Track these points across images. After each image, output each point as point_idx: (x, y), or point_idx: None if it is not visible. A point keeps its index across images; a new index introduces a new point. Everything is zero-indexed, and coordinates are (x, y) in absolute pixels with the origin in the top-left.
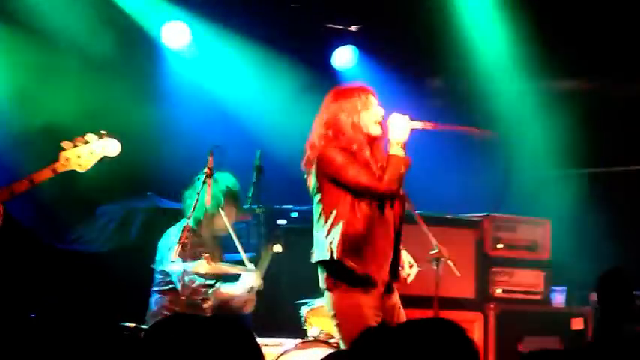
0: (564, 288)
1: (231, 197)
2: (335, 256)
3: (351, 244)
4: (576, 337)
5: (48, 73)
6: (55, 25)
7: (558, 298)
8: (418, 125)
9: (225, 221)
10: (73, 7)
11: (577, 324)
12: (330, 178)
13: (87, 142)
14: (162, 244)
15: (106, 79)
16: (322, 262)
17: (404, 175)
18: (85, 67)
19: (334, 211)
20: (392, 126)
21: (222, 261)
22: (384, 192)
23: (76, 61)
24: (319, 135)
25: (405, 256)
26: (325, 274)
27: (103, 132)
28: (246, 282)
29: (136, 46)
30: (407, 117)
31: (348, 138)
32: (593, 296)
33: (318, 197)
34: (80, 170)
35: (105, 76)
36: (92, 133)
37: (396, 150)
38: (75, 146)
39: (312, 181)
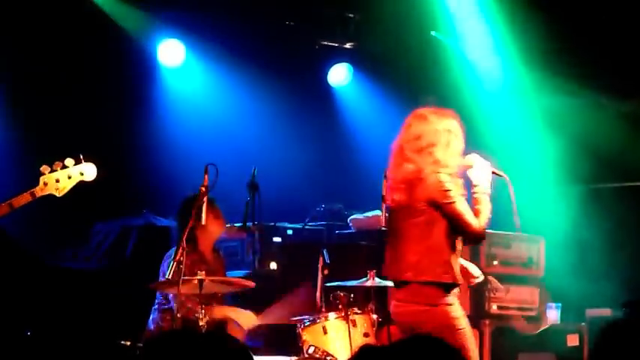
0: (559, 304)
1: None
2: (458, 281)
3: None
4: (572, 354)
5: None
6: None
7: (553, 315)
8: (497, 173)
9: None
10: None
11: (572, 340)
12: (436, 204)
13: (65, 167)
14: (163, 264)
15: (103, 97)
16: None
17: None
18: (81, 83)
19: (438, 234)
20: (479, 169)
21: (224, 276)
22: (480, 235)
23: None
24: (421, 157)
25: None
26: (437, 291)
27: (81, 156)
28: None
29: (133, 65)
30: (489, 163)
31: (452, 165)
32: (589, 312)
33: (419, 217)
34: (57, 194)
35: (102, 93)
36: (70, 157)
37: (485, 194)
38: (53, 170)
39: (406, 198)
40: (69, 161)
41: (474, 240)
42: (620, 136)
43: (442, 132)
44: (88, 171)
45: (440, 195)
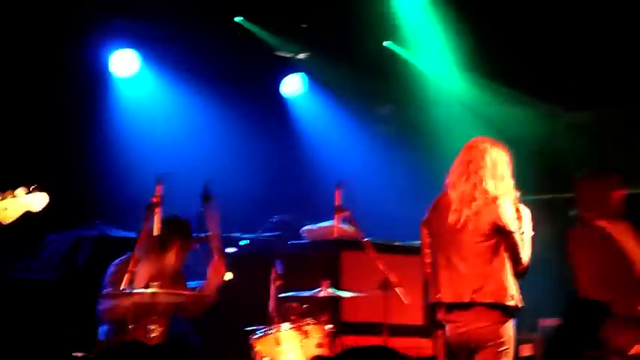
0: None
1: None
2: (519, 305)
3: None
4: None
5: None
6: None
7: None
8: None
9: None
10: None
11: (526, 350)
12: (502, 230)
13: (14, 196)
14: (107, 273)
15: (55, 107)
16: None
17: None
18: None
19: (501, 259)
20: (525, 215)
21: (182, 288)
22: (525, 271)
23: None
24: (496, 183)
25: None
26: (503, 312)
27: (33, 186)
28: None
29: (85, 75)
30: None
31: (515, 196)
32: (543, 322)
33: (485, 241)
34: (3, 222)
35: (54, 103)
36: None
37: (529, 238)
38: (3, 199)
39: (472, 220)
40: (19, 191)
41: (520, 273)
42: (572, 146)
43: (509, 164)
44: (38, 201)
45: (508, 223)
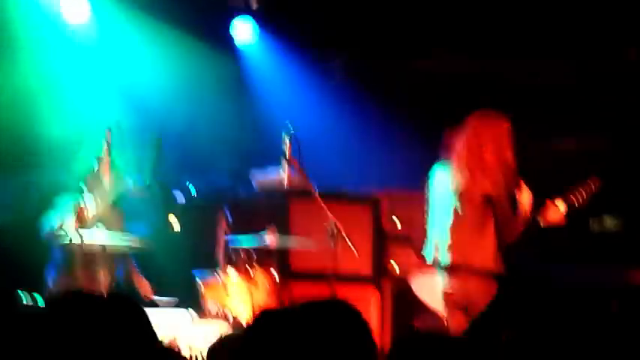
0: None
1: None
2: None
3: None
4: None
5: None
6: None
7: None
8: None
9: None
10: None
11: None
12: (493, 200)
13: None
14: (51, 215)
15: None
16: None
17: None
18: None
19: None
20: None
21: (121, 230)
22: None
23: None
24: (504, 154)
25: None
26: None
27: None
28: None
29: (35, 20)
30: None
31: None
32: None
33: (479, 208)
34: None
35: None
36: None
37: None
38: None
39: (472, 185)
40: None
41: (507, 241)
42: None
43: (509, 136)
44: None
45: (500, 193)
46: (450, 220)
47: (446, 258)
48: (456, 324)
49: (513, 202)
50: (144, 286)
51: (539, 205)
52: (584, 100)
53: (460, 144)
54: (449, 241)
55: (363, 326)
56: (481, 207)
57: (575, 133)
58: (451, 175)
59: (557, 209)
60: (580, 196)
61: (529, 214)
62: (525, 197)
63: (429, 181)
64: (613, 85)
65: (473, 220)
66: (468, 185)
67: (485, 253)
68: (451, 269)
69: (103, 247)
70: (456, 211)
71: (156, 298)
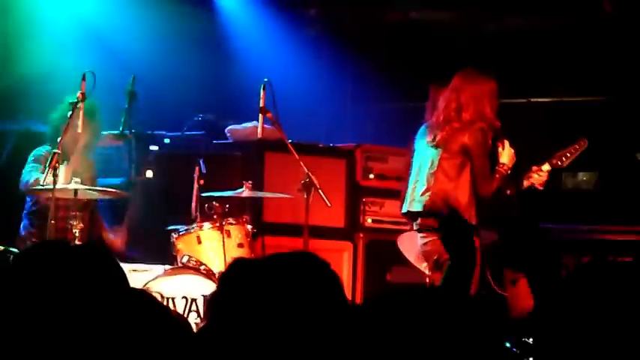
0: None
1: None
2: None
3: None
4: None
5: None
6: None
7: None
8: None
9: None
10: None
11: None
12: (470, 152)
13: None
14: (26, 165)
15: None
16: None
17: None
18: None
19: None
20: (508, 153)
21: (94, 185)
22: (485, 196)
23: None
24: (476, 108)
25: None
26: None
27: None
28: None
29: None
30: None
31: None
32: None
33: (454, 159)
34: None
35: None
36: None
37: (505, 174)
38: None
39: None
40: None
41: (481, 194)
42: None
43: (491, 94)
44: None
45: (477, 147)
46: (427, 170)
47: (420, 205)
48: (437, 280)
49: (493, 159)
50: (114, 240)
51: (524, 168)
52: (562, 54)
53: (442, 102)
54: (424, 189)
55: (332, 277)
56: (458, 157)
57: (554, 87)
58: (432, 130)
59: (542, 174)
60: (566, 159)
61: (508, 170)
62: (506, 155)
63: (416, 137)
64: (590, 38)
65: (449, 169)
66: (446, 138)
67: (458, 203)
68: (421, 215)
69: (77, 197)
70: (433, 162)
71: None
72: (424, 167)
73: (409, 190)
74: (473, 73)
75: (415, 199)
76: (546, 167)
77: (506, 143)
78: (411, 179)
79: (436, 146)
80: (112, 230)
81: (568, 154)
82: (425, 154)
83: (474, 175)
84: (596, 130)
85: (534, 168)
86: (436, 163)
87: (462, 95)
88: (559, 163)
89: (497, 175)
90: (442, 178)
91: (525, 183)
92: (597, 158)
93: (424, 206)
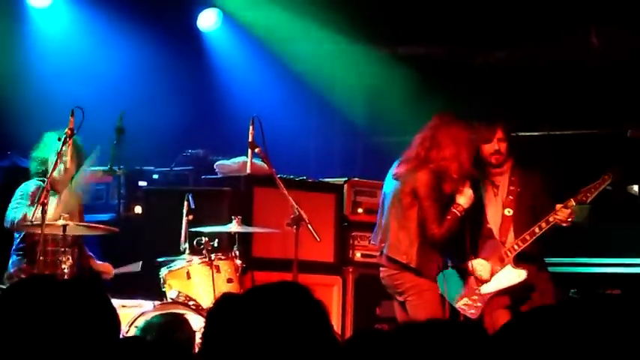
0: None
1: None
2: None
3: None
4: None
5: None
6: None
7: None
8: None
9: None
10: None
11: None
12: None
13: None
14: (14, 201)
15: None
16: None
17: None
18: None
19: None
20: (466, 196)
21: (82, 222)
22: (435, 241)
23: None
24: (428, 152)
25: None
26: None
27: None
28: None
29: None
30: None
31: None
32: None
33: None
34: None
35: None
36: None
37: (458, 216)
38: None
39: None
40: None
41: (430, 241)
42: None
43: (469, 141)
44: None
45: (424, 189)
46: (387, 209)
47: (382, 245)
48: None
49: (449, 202)
50: (103, 267)
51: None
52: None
53: (416, 139)
54: (382, 229)
55: (315, 303)
56: (408, 197)
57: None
58: (400, 163)
59: (567, 210)
60: (590, 194)
61: (462, 212)
62: (464, 197)
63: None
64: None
65: (399, 211)
66: (404, 174)
67: (402, 246)
68: (381, 256)
69: (65, 232)
70: (392, 196)
71: (118, 270)
72: (387, 201)
73: (377, 226)
74: (453, 118)
75: (380, 236)
76: (571, 203)
77: (467, 185)
78: (379, 213)
79: (396, 179)
80: (98, 259)
81: (593, 190)
82: (389, 187)
83: (421, 217)
84: (586, 163)
85: (558, 206)
86: (390, 198)
87: (440, 135)
88: (584, 198)
89: (449, 217)
90: (394, 218)
91: (551, 220)
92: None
93: (381, 245)
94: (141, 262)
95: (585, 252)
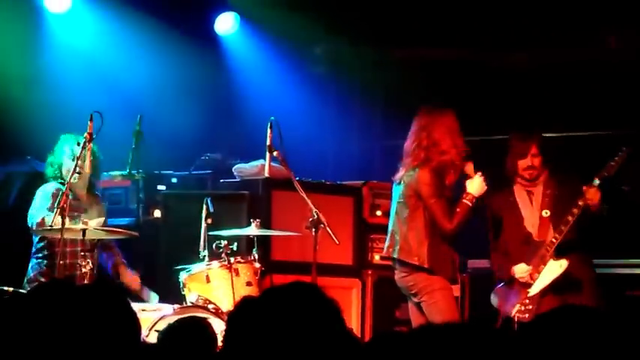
0: None
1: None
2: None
3: None
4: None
5: None
6: None
7: None
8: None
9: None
10: None
11: (454, 291)
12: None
13: None
14: (33, 205)
15: None
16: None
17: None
18: None
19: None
20: (475, 182)
21: (103, 219)
22: (448, 234)
23: None
24: (424, 147)
25: None
26: (408, 267)
27: None
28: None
29: (15, 9)
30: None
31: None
32: (471, 264)
33: (409, 201)
34: None
35: None
36: None
37: (470, 204)
38: None
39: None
40: None
41: (444, 236)
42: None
43: (450, 131)
44: None
45: (421, 189)
46: (393, 215)
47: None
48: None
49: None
50: (131, 279)
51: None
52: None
53: (411, 141)
54: (390, 235)
55: (328, 302)
56: (412, 198)
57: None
58: (401, 168)
59: (593, 190)
60: (612, 168)
61: (473, 200)
62: (473, 185)
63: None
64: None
65: (403, 210)
66: (405, 179)
67: (412, 247)
68: (393, 261)
69: (85, 237)
70: (397, 203)
71: (144, 291)
72: (392, 207)
73: (389, 230)
74: (439, 108)
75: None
76: (596, 182)
77: (477, 174)
78: (389, 218)
79: (399, 183)
80: (129, 266)
81: (614, 164)
82: (394, 193)
83: (429, 216)
84: (603, 164)
85: (584, 187)
86: (395, 203)
87: (434, 131)
88: (605, 173)
89: (459, 209)
90: (400, 220)
91: (581, 203)
92: (607, 192)
93: (391, 249)
94: (158, 297)
95: (606, 252)
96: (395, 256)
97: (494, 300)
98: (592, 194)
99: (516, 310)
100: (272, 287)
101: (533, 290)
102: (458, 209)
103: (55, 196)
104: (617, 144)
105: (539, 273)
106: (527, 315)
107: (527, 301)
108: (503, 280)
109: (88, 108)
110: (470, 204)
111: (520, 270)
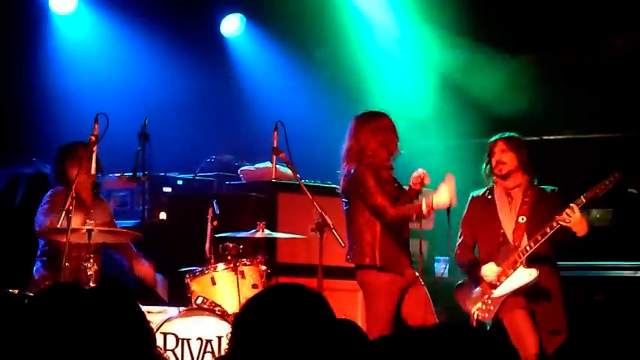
0: (448, 258)
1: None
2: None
3: None
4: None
5: None
6: None
7: (442, 268)
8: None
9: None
10: None
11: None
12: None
13: None
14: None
15: None
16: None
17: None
18: None
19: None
20: (442, 194)
21: (109, 221)
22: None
23: None
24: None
25: None
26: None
27: None
28: None
29: (21, 10)
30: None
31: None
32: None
33: (352, 203)
34: None
35: None
36: None
37: (425, 211)
38: None
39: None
40: None
41: (385, 221)
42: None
43: (388, 128)
44: None
45: (361, 187)
46: (346, 225)
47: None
48: None
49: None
50: (146, 271)
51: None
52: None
53: (345, 150)
54: (348, 244)
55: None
56: (358, 203)
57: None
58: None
59: (570, 212)
60: (601, 191)
61: (430, 205)
62: (437, 197)
63: None
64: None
65: (354, 219)
66: (346, 187)
67: (363, 249)
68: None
69: (90, 239)
70: (345, 210)
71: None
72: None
73: None
74: (365, 113)
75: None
76: (581, 201)
77: (447, 186)
78: None
79: (342, 193)
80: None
81: (602, 187)
82: (343, 200)
83: (374, 212)
84: (611, 167)
85: (571, 205)
86: (345, 214)
87: (360, 136)
88: (592, 195)
89: (408, 204)
90: (349, 226)
91: (560, 219)
92: (612, 195)
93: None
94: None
95: (610, 256)
96: (353, 261)
97: (456, 294)
98: (572, 214)
99: (477, 308)
100: (254, 296)
101: (498, 292)
102: (408, 204)
103: (60, 200)
104: (624, 145)
105: (507, 277)
106: (486, 315)
107: (490, 301)
108: (470, 275)
109: (93, 109)
110: (425, 208)
111: (489, 269)
